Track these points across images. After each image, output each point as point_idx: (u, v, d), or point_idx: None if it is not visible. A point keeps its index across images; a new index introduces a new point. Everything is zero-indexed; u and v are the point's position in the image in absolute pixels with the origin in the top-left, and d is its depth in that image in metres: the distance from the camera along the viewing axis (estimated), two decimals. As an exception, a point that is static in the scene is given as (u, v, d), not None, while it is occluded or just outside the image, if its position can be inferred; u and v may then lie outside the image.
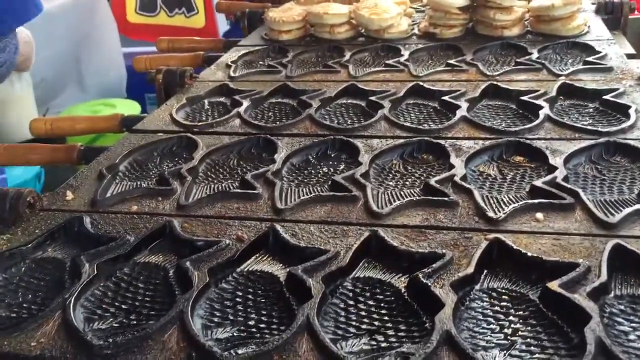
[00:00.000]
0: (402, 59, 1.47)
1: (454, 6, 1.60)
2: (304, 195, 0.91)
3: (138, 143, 1.12)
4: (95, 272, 0.75)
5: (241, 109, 1.24)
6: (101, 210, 0.90)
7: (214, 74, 1.49)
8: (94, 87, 4.34)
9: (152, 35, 5.13)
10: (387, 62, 1.47)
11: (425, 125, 1.14)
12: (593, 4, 1.84)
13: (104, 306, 0.72)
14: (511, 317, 0.66)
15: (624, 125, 1.03)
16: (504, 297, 0.69)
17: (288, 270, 0.73)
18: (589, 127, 1.04)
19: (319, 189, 0.94)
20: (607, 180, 0.90)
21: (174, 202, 0.91)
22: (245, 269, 0.76)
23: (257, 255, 0.79)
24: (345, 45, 1.63)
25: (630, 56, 1.47)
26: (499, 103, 1.20)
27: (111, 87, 3.90)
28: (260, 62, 1.58)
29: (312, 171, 1.00)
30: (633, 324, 0.64)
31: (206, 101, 1.33)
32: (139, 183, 0.99)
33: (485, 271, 0.73)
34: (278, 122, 1.19)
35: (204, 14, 4.74)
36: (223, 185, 0.97)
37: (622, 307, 0.66)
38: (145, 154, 1.09)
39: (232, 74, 1.46)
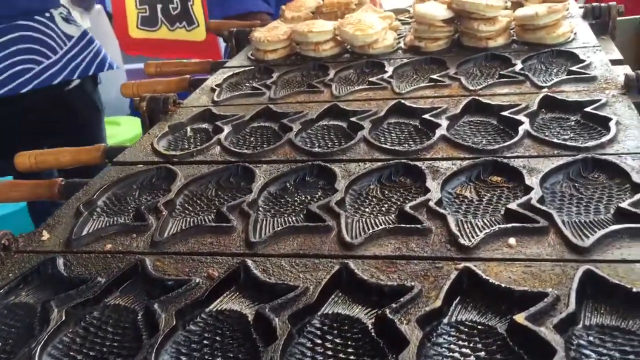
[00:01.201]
0: (385, 76, 1.47)
1: (437, 19, 1.60)
2: (278, 227, 0.91)
3: (117, 176, 1.12)
4: (64, 317, 0.75)
5: (222, 136, 1.24)
6: (75, 250, 0.90)
7: (198, 99, 1.49)
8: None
9: (154, 50, 5.19)
10: (370, 79, 1.46)
11: (405, 145, 1.13)
12: (581, 7, 1.83)
13: (71, 353, 0.72)
14: (478, 353, 0.65)
15: (603, 140, 1.01)
16: (471, 330, 0.68)
17: (256, 309, 0.73)
18: (568, 143, 1.03)
19: (294, 219, 0.93)
20: (585, 199, 0.89)
21: (149, 238, 0.91)
22: (215, 309, 0.76)
23: (228, 293, 0.79)
24: (330, 62, 1.63)
25: (616, 62, 1.45)
26: (480, 119, 1.19)
27: (114, 105, 3.93)
28: (246, 84, 1.58)
29: (289, 200, 1.00)
30: (601, 357, 0.62)
31: (188, 128, 1.33)
32: (116, 219, 0.99)
33: (455, 302, 0.72)
34: (258, 148, 1.19)
35: (204, 27, 4.78)
36: (199, 218, 0.97)
37: (590, 339, 0.64)
38: (124, 187, 1.09)
39: (215, 98, 1.46)
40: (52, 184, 1.13)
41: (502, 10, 1.60)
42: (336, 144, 1.18)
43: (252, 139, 1.26)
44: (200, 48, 4.60)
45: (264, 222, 0.93)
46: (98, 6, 4.37)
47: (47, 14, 1.92)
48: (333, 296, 0.76)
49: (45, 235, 0.94)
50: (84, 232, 0.94)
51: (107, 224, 0.97)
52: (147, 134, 1.31)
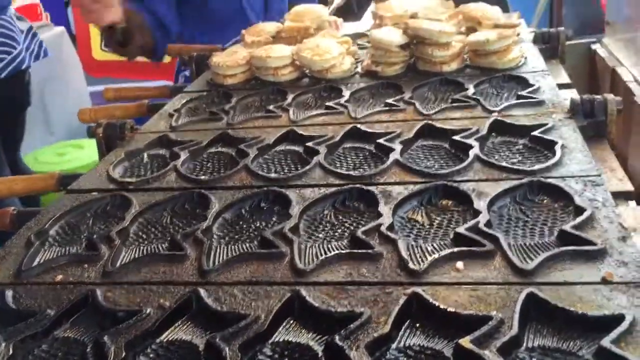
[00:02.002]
0: (342, 100, 1.49)
1: (393, 44, 1.63)
2: (232, 254, 0.91)
3: (71, 205, 1.11)
4: (11, 351, 0.74)
5: (178, 162, 1.24)
6: (25, 282, 0.89)
7: (156, 124, 1.49)
8: (61, 128, 4.32)
9: (118, 72, 5.14)
10: (327, 104, 1.48)
11: (360, 169, 1.15)
12: (531, 32, 1.89)
13: (18, 389, 0.71)
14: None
15: (548, 163, 1.05)
16: (419, 355, 0.69)
17: (206, 339, 0.73)
18: (515, 167, 1.06)
19: (248, 245, 0.94)
20: (530, 222, 0.92)
21: (100, 268, 0.91)
22: (165, 339, 0.76)
23: (179, 323, 0.78)
24: (288, 87, 1.65)
25: (564, 86, 1.51)
26: (433, 143, 1.22)
27: (79, 128, 3.88)
28: (204, 109, 1.59)
29: (245, 226, 1.00)
30: (542, 378, 0.64)
31: (145, 154, 1.33)
32: (68, 249, 0.98)
33: (404, 327, 0.73)
34: (215, 174, 1.19)
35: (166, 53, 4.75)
36: (153, 246, 0.97)
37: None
38: (77, 215, 1.08)
39: (173, 124, 1.46)
40: (4, 214, 1.11)
41: (456, 35, 1.65)
42: (292, 169, 1.19)
43: (209, 164, 1.26)
44: (166, 68, 4.58)
45: (218, 249, 0.93)
46: (61, 27, 4.33)
47: (8, 12, 2.44)
48: (284, 324, 0.76)
49: (-5, 267, 0.93)
50: (35, 263, 0.93)
51: (59, 254, 0.96)
52: (103, 161, 1.30)
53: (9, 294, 0.86)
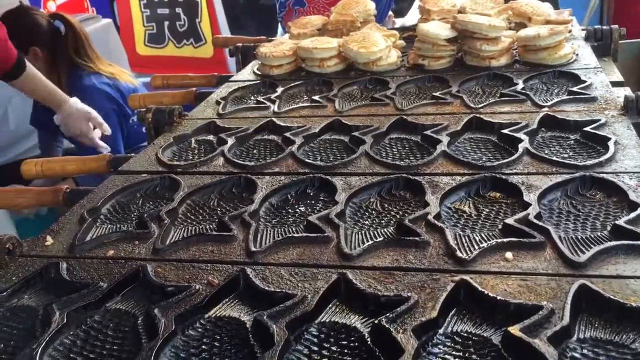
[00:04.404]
0: (388, 92, 1.48)
1: (440, 38, 1.62)
2: (278, 237, 0.92)
3: (122, 185, 1.13)
4: (65, 320, 0.76)
5: (225, 148, 1.25)
6: (78, 256, 0.92)
7: (203, 112, 1.51)
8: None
9: (162, 67, 5.22)
10: (374, 95, 1.48)
11: (406, 160, 1.14)
12: (583, 30, 1.85)
13: (71, 355, 0.73)
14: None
15: (602, 159, 1.03)
16: (466, 341, 0.69)
17: (254, 316, 0.74)
18: (567, 161, 1.04)
19: (294, 229, 0.94)
20: (582, 215, 0.90)
21: (151, 245, 0.93)
22: (214, 315, 0.77)
23: (227, 300, 0.80)
24: (334, 78, 1.65)
25: (617, 84, 1.47)
26: (481, 136, 1.21)
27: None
28: (251, 97, 1.60)
29: (290, 211, 1.01)
30: (594, 369, 0.63)
31: (193, 140, 1.35)
32: (119, 226, 1.00)
33: (451, 314, 0.73)
34: (261, 160, 1.20)
35: (212, 43, 4.81)
36: (201, 227, 0.98)
37: (584, 352, 0.65)
38: (127, 195, 1.11)
39: (220, 111, 1.48)
40: (57, 191, 1.15)
41: (505, 30, 1.63)
42: (338, 157, 1.19)
43: (255, 151, 1.27)
44: (208, 64, 4.65)
45: (265, 232, 0.94)
46: (108, 20, 4.43)
47: None
48: (331, 305, 0.77)
49: (49, 241, 0.96)
50: (87, 238, 0.96)
51: (110, 231, 0.98)
52: (152, 145, 1.33)
53: (63, 266, 0.88)
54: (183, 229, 0.98)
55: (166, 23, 4.73)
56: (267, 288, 0.80)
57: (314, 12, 2.60)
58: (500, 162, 1.07)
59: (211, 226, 0.98)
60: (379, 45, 1.67)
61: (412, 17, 3.24)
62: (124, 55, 4.60)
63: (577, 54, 1.59)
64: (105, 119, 2.53)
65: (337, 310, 0.76)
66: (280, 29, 2.80)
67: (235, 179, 1.12)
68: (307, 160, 1.17)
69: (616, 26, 1.75)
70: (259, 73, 1.78)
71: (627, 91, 1.36)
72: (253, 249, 0.89)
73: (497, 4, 1.86)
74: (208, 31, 4.60)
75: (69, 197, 1.15)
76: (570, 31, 1.69)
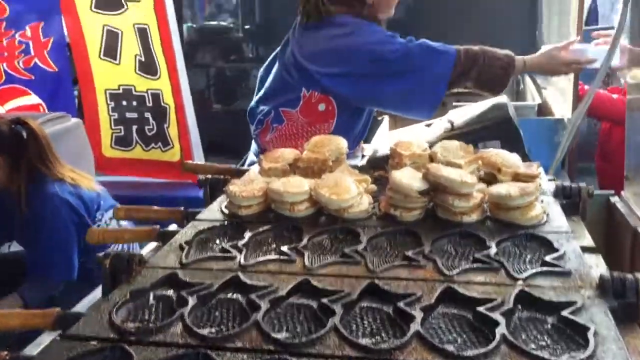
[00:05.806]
0: (359, 247, 1.44)
1: (413, 190, 1.61)
2: None
3: (67, 355, 1.03)
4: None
5: (186, 310, 1.17)
6: None
7: (165, 258, 1.44)
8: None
9: (128, 170, 5.14)
10: (345, 250, 1.43)
11: (378, 337, 1.08)
12: (550, 180, 1.88)
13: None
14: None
15: (582, 356, 0.98)
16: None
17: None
18: (546, 357, 0.99)
19: None
20: None
21: None
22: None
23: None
24: (304, 224, 1.61)
25: (588, 249, 1.47)
26: (455, 312, 1.15)
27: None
28: (217, 241, 1.54)
29: (251, 402, 0.93)
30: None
31: (151, 295, 1.26)
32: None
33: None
34: (222, 327, 1.12)
35: (179, 148, 4.82)
36: (150, 421, 0.89)
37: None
38: (73, 370, 1.01)
39: (183, 260, 1.41)
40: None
41: (477, 185, 1.63)
42: (305, 329, 1.12)
43: (217, 313, 1.19)
44: (175, 169, 4.61)
45: None
46: (77, 119, 4.39)
47: None
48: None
49: None
50: None
51: None
52: (106, 300, 1.24)
53: None
54: (130, 423, 0.88)
55: (134, 127, 4.72)
56: None
57: (293, 130, 2.60)
58: (477, 352, 1.01)
59: (162, 421, 0.88)
60: (350, 193, 1.65)
61: (379, 142, 3.29)
62: (90, 157, 4.54)
63: (547, 214, 1.60)
64: (64, 231, 2.43)
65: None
66: (254, 146, 2.79)
67: (192, 355, 1.03)
68: (272, 335, 1.09)
69: (584, 184, 1.77)
70: (227, 212, 1.73)
71: (599, 265, 1.35)
72: None
73: (467, 152, 1.89)
74: (175, 136, 4.60)
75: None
76: (540, 184, 1.70)
